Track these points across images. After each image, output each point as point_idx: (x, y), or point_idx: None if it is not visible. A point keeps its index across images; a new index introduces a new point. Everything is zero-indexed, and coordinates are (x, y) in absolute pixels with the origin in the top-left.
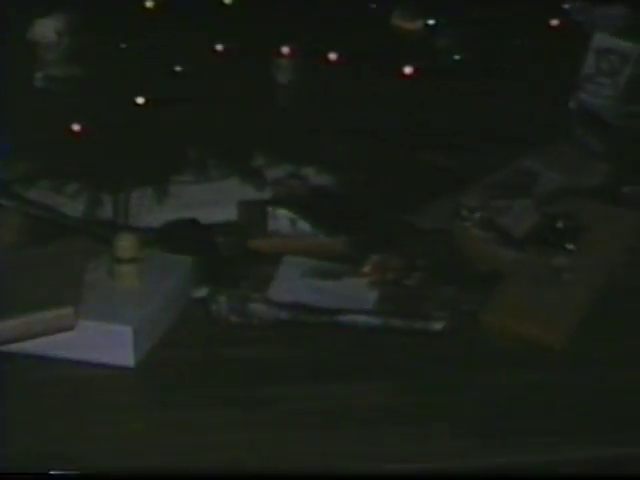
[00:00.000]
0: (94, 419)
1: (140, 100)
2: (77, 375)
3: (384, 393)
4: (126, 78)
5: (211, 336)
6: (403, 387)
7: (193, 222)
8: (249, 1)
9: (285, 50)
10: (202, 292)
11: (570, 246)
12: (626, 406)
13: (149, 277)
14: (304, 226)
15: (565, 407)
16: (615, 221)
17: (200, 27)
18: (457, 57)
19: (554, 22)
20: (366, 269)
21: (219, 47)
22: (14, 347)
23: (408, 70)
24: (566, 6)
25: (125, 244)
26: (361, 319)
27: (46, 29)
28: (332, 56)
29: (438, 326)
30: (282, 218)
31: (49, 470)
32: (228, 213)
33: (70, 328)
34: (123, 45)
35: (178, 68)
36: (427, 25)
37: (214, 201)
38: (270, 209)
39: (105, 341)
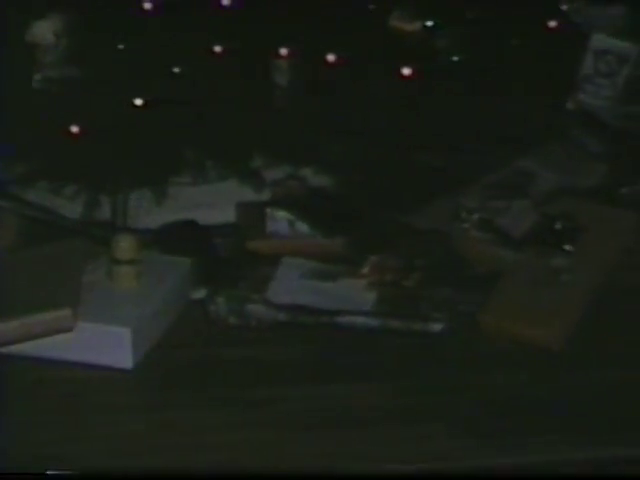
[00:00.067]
0: (92, 420)
1: (138, 101)
2: (75, 376)
3: (382, 394)
4: (124, 79)
5: (210, 337)
6: (401, 388)
7: (191, 223)
8: (247, 2)
9: (283, 51)
10: (201, 293)
11: (568, 247)
12: (623, 406)
13: (147, 278)
14: (302, 227)
15: (563, 407)
16: (613, 222)
17: (198, 28)
18: (455, 58)
19: (552, 23)
20: (364, 270)
21: (217, 48)
22: (13, 348)
23: (406, 71)
24: (564, 7)
25: (123, 245)
26: (359, 320)
27: (44, 31)
28: (330, 57)
29: (436, 327)
30: (280, 219)
31: (47, 470)
32: (226, 214)
33: (68, 329)
34: (121, 46)
35: (176, 69)
36: (425, 26)
37: (212, 203)
38: (268, 210)
39: (103, 342)
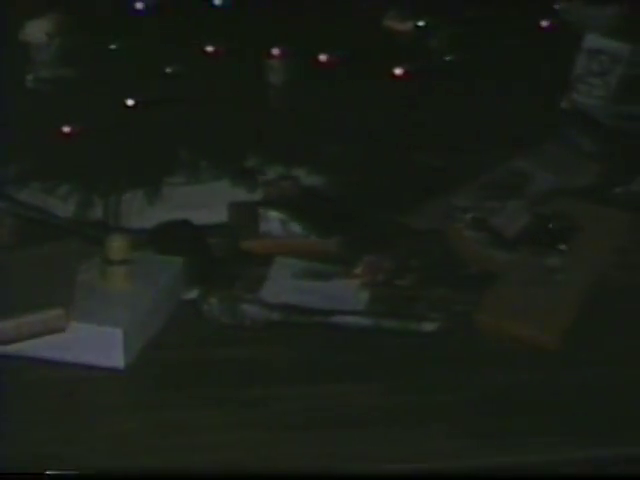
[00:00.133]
0: (84, 420)
1: (131, 101)
2: (67, 376)
3: (377, 394)
4: (117, 79)
5: (203, 337)
6: (397, 387)
7: (185, 223)
8: (240, 2)
9: (276, 51)
10: (193, 293)
11: (562, 246)
12: (619, 405)
13: (140, 279)
14: (295, 227)
15: (558, 407)
16: (607, 221)
17: (191, 28)
18: (448, 58)
19: (545, 23)
20: (358, 270)
21: (210, 48)
22: (4, 348)
23: (400, 71)
24: (557, 7)
25: (116, 246)
26: (353, 320)
27: (36, 30)
28: (323, 57)
29: (431, 327)
30: (273, 219)
31: (46, 471)
32: (219, 215)
33: (61, 330)
34: (113, 47)
35: (169, 69)
36: (418, 26)
37: (205, 203)
38: (261, 210)
39: (95, 343)
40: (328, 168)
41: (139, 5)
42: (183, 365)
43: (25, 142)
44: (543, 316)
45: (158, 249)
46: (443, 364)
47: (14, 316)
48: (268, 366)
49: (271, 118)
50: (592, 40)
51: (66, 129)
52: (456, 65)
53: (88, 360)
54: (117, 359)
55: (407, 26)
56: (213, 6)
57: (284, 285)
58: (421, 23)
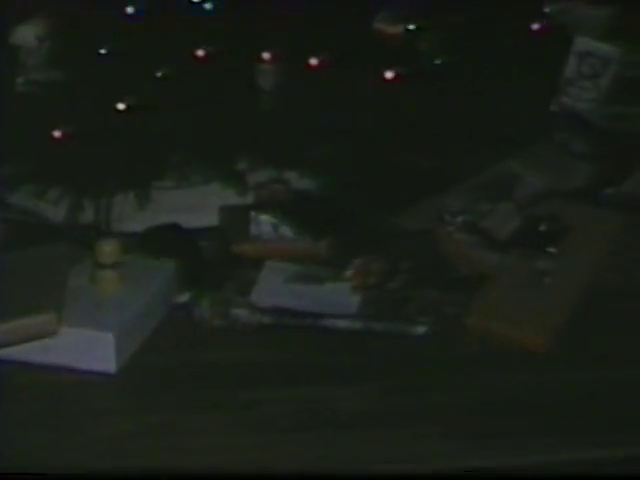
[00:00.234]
0: (76, 424)
1: (121, 105)
2: (58, 381)
3: (368, 396)
4: (107, 83)
5: (194, 340)
6: (388, 390)
7: (175, 227)
8: (230, 6)
9: (267, 55)
10: (185, 297)
11: (553, 248)
12: (611, 407)
13: (131, 282)
14: (286, 231)
15: (549, 408)
16: (598, 223)
17: (181, 32)
18: (439, 61)
19: (535, 26)
20: (349, 273)
21: (200, 52)
22: None
23: (390, 74)
24: (547, 9)
25: (107, 249)
26: (344, 323)
27: (27, 34)
28: (313, 61)
29: (422, 329)
30: (264, 223)
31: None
32: (210, 218)
33: (52, 334)
34: (104, 50)
35: (159, 73)
36: (408, 29)
37: (196, 206)
38: (252, 214)
39: (87, 347)
40: (319, 171)
41: (130, 9)
42: (174, 368)
43: (16, 146)
44: (533, 318)
45: (149, 253)
46: (433, 366)
47: (5, 320)
48: (259, 369)
49: (262, 121)
50: (582, 43)
51: (57, 133)
52: (447, 68)
53: (79, 364)
54: (108, 363)
55: (397, 29)
56: (203, 10)
57: (275, 288)
58: (411, 26)
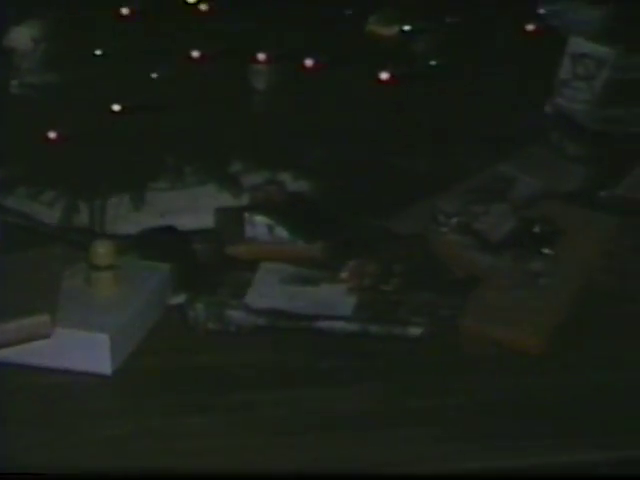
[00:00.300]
0: (71, 426)
1: (116, 107)
2: (53, 383)
3: (363, 398)
4: (102, 85)
5: (189, 343)
6: (383, 392)
7: (170, 229)
8: (225, 7)
9: (261, 56)
10: (179, 299)
11: (547, 250)
12: (611, 408)
13: (126, 284)
14: (281, 232)
15: (549, 410)
16: (592, 225)
17: (175, 34)
18: (433, 62)
19: (529, 27)
20: (344, 275)
21: (195, 53)
22: None
23: (385, 75)
24: (541, 11)
25: (102, 251)
26: (339, 325)
27: (21, 36)
28: (308, 62)
29: (416, 332)
30: (259, 224)
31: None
32: (205, 220)
33: (47, 336)
34: (98, 52)
35: (154, 75)
36: (403, 31)
37: (191, 208)
38: (247, 215)
39: (82, 349)
40: (314, 173)
41: (124, 10)
42: (170, 370)
43: (10, 148)
44: (527, 321)
45: (144, 255)
46: (428, 368)
47: None
48: (255, 371)
49: (256, 123)
50: (576, 44)
51: (51, 134)
52: (442, 69)
53: (75, 366)
54: (104, 365)
55: (392, 30)
56: (198, 11)
57: (270, 290)
58: (406, 27)
